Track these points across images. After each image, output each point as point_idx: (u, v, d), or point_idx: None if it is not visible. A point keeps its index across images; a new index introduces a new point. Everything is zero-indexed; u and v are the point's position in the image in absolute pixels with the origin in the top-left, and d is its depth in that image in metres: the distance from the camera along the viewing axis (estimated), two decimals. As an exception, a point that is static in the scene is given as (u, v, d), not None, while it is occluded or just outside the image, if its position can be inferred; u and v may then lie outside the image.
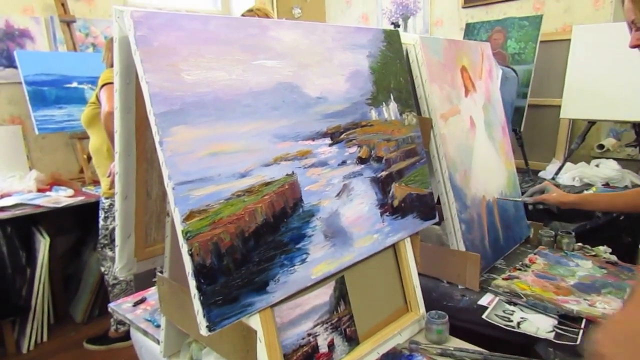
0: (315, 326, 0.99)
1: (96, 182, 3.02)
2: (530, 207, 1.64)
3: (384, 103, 1.19)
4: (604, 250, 1.65)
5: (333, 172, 1.03)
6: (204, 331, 0.78)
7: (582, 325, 1.19)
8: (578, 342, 1.13)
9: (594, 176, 2.48)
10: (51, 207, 2.56)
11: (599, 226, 2.20)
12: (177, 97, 0.80)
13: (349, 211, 1.05)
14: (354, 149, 1.09)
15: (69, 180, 3.08)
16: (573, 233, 1.70)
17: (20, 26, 3.03)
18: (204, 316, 0.77)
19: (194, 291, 0.77)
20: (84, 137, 3.02)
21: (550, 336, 1.16)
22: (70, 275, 3.05)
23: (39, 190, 2.80)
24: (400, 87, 1.25)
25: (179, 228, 0.77)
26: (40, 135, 3.01)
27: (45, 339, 2.64)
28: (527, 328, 1.20)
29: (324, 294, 1.02)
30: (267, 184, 0.90)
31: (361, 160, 1.10)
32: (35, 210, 2.53)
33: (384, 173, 1.16)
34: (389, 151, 1.18)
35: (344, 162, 1.06)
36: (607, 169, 2.50)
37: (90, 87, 3.09)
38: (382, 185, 1.15)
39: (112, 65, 2.32)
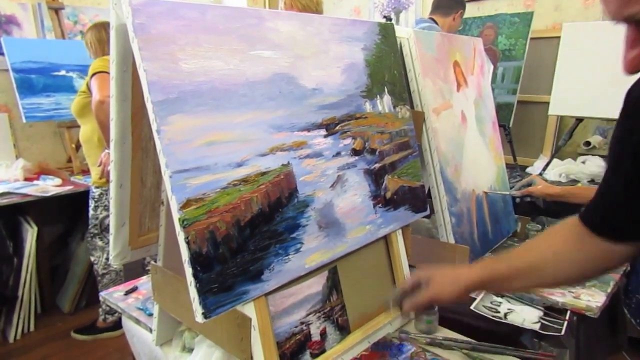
0: (308, 315, 1.00)
1: (85, 172, 2.99)
2: (517, 199, 1.67)
3: (378, 96, 1.20)
4: (588, 245, 1.69)
5: (327, 163, 1.04)
6: (199, 318, 0.79)
7: (567, 317, 1.23)
8: (562, 332, 1.16)
9: (580, 172, 2.52)
10: (39, 196, 2.53)
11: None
12: (174, 86, 0.80)
13: (343, 202, 1.06)
14: (348, 141, 1.10)
15: (56, 169, 3.05)
16: (559, 227, 1.73)
17: (6, 12, 2.98)
18: (199, 303, 0.78)
19: (190, 279, 0.78)
20: (72, 126, 2.99)
21: (536, 327, 1.19)
22: (58, 265, 3.02)
23: (26, 180, 2.77)
24: (395, 80, 1.26)
25: (176, 216, 0.77)
26: (27, 124, 2.96)
27: (32, 328, 2.62)
28: (514, 319, 1.23)
29: (317, 284, 1.03)
30: (263, 173, 0.90)
31: (355, 152, 1.12)
32: (23, 199, 2.51)
33: (377, 165, 1.17)
34: (382, 144, 1.19)
35: (338, 154, 1.07)
36: (593, 165, 2.55)
37: (79, 75, 3.05)
38: (375, 177, 1.16)
39: (103, 54, 2.30)
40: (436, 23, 2.69)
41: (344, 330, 1.08)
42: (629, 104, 0.70)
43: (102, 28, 2.36)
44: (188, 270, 0.78)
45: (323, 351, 1.02)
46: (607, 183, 0.77)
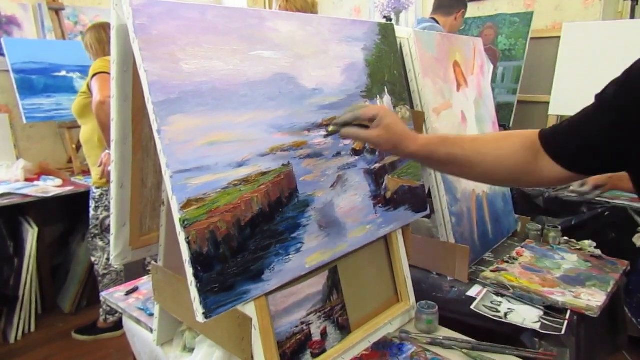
0: (308, 315, 1.00)
1: (85, 172, 3.00)
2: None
3: (378, 96, 1.20)
4: (589, 245, 1.69)
5: (328, 163, 1.04)
6: (200, 318, 0.79)
7: (567, 317, 1.23)
8: (563, 332, 1.17)
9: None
10: (40, 197, 2.54)
11: (584, 221, 2.25)
12: (175, 86, 0.80)
13: (343, 202, 1.06)
14: (348, 141, 1.10)
15: (57, 170, 3.05)
16: (559, 227, 1.73)
17: (7, 13, 2.98)
18: (200, 303, 0.78)
19: (190, 279, 0.78)
20: (73, 126, 3.00)
21: (536, 326, 1.19)
22: (59, 266, 3.03)
23: (27, 180, 2.78)
24: (395, 80, 1.26)
25: (177, 216, 0.77)
26: (28, 124, 2.97)
27: (33, 329, 2.63)
28: (514, 319, 1.23)
29: (318, 283, 1.03)
30: (263, 173, 0.91)
31: (355, 152, 1.12)
32: (24, 199, 2.51)
33: (377, 165, 1.17)
34: (382, 144, 1.19)
35: (338, 154, 1.07)
36: (593, 165, 2.55)
37: (80, 75, 3.05)
38: (376, 177, 1.16)
39: (103, 55, 2.31)
40: (438, 23, 2.69)
41: (344, 329, 1.08)
42: None
43: (101, 29, 2.36)
44: (189, 270, 0.78)
45: (324, 351, 1.02)
46: (586, 116, 0.80)
